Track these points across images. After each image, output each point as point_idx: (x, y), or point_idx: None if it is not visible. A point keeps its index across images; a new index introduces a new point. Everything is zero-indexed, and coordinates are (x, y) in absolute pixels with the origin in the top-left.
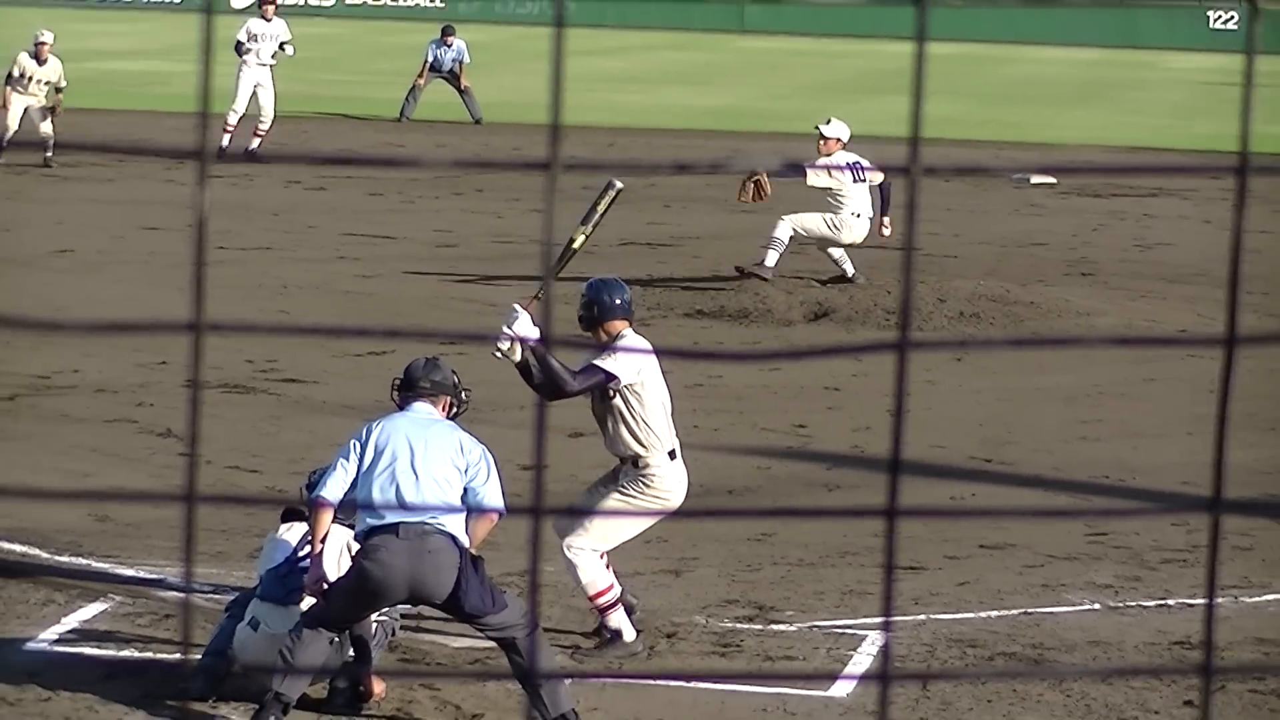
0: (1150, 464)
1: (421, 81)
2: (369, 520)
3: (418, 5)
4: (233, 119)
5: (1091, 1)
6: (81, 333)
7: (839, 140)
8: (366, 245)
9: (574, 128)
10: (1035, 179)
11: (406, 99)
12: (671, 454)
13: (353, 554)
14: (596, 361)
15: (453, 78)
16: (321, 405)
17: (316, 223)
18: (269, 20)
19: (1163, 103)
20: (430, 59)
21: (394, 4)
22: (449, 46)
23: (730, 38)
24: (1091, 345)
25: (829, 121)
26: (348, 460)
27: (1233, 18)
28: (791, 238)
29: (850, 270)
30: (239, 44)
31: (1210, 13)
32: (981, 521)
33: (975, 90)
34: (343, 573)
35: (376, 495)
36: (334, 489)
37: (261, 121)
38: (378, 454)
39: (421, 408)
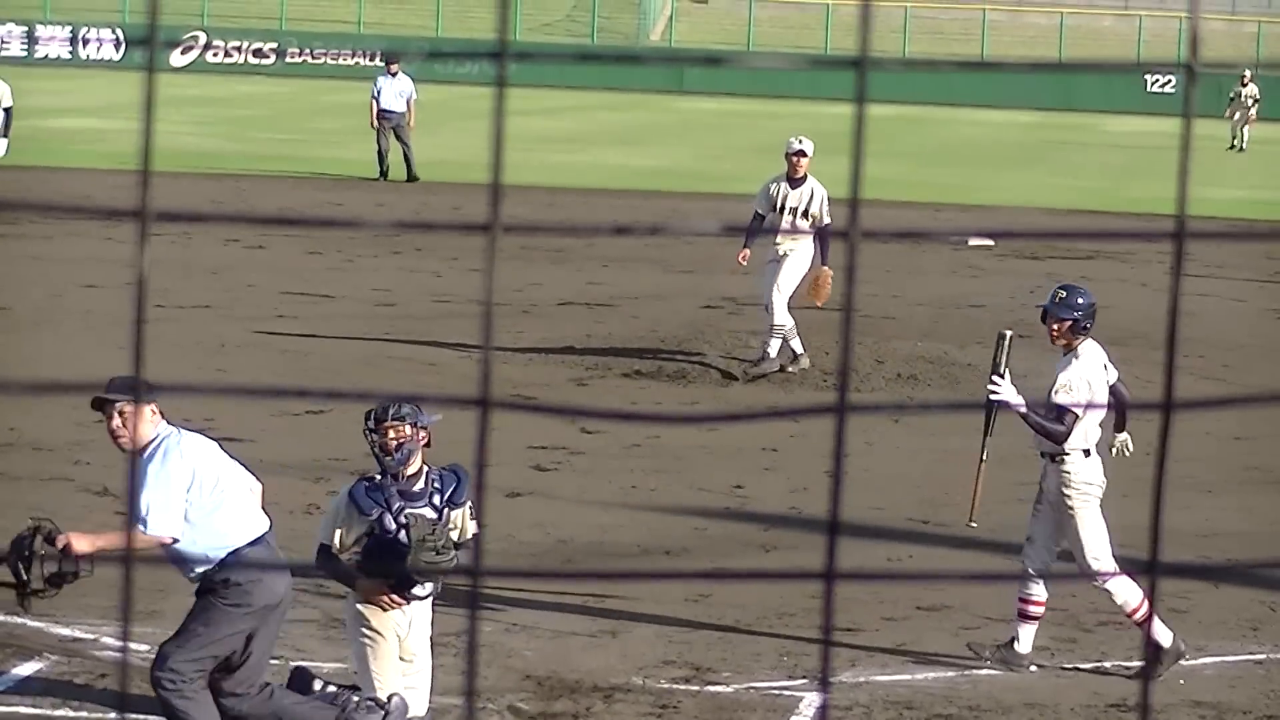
0: None
1: (377, 125)
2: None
3: (358, 64)
4: None
5: (1029, 67)
6: (16, 394)
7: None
8: (305, 304)
9: (513, 187)
10: (973, 241)
11: (379, 156)
12: (1086, 452)
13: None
14: (1062, 402)
15: (399, 124)
16: (259, 464)
17: (255, 281)
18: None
19: (1100, 165)
20: (375, 93)
21: (334, 63)
22: (393, 76)
23: (669, 98)
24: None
25: (801, 140)
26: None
27: (1169, 81)
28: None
29: (799, 349)
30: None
31: (1147, 76)
32: (918, 583)
33: (914, 152)
34: None
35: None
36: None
37: None
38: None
39: None
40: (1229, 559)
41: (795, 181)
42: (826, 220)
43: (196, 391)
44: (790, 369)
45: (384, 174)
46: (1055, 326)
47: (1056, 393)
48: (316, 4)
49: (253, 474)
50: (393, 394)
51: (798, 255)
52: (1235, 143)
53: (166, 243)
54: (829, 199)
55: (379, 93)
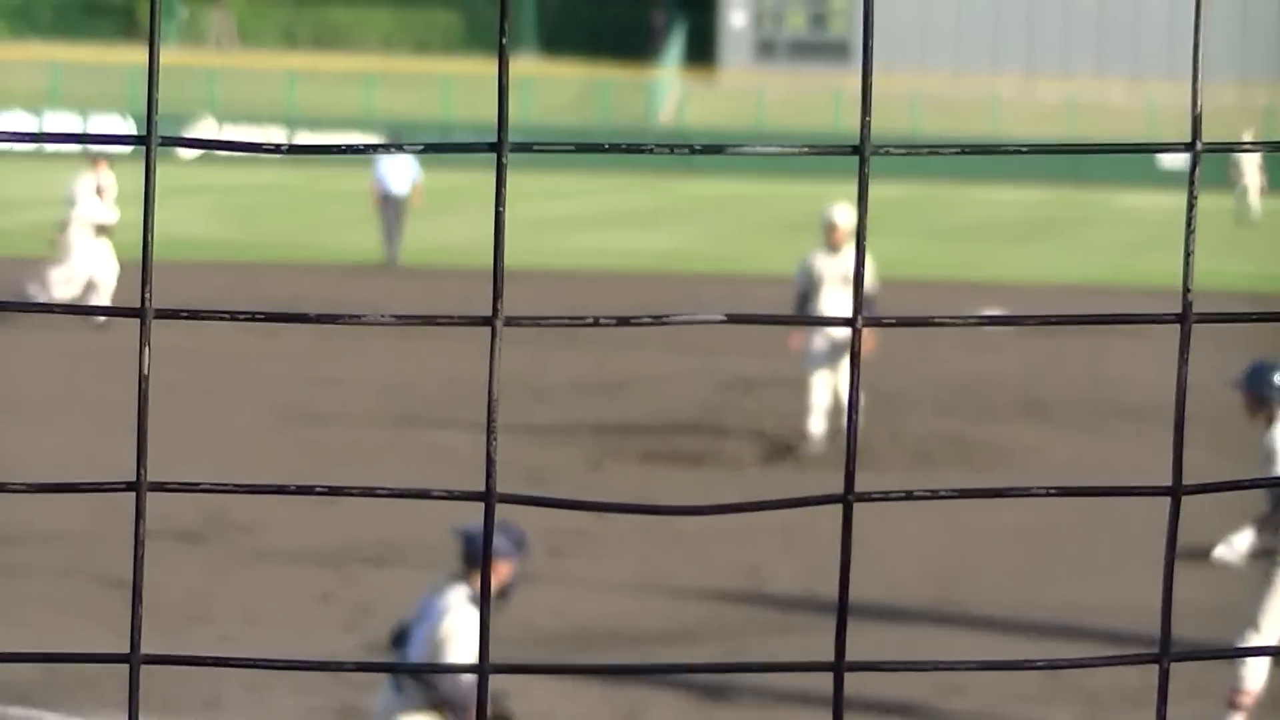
0: (1103, 603)
1: (380, 210)
2: None
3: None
4: None
5: (1029, 148)
6: (21, 492)
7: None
8: (317, 389)
9: (524, 270)
10: (985, 312)
11: (386, 242)
12: None
13: None
14: None
15: (399, 205)
16: (272, 553)
17: (267, 369)
18: None
19: (1111, 241)
20: (379, 175)
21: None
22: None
23: (679, 180)
24: (1035, 495)
25: (837, 210)
26: None
27: (1213, 148)
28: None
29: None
30: None
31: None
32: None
33: (925, 230)
34: None
35: None
36: None
37: None
38: None
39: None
40: (1237, 634)
41: (836, 251)
42: (874, 284)
43: (199, 490)
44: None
45: (393, 259)
46: (1246, 400)
47: None
48: (325, 89)
49: None
50: (400, 489)
51: (846, 333)
52: (1247, 216)
53: (179, 330)
54: (872, 266)
55: (380, 177)
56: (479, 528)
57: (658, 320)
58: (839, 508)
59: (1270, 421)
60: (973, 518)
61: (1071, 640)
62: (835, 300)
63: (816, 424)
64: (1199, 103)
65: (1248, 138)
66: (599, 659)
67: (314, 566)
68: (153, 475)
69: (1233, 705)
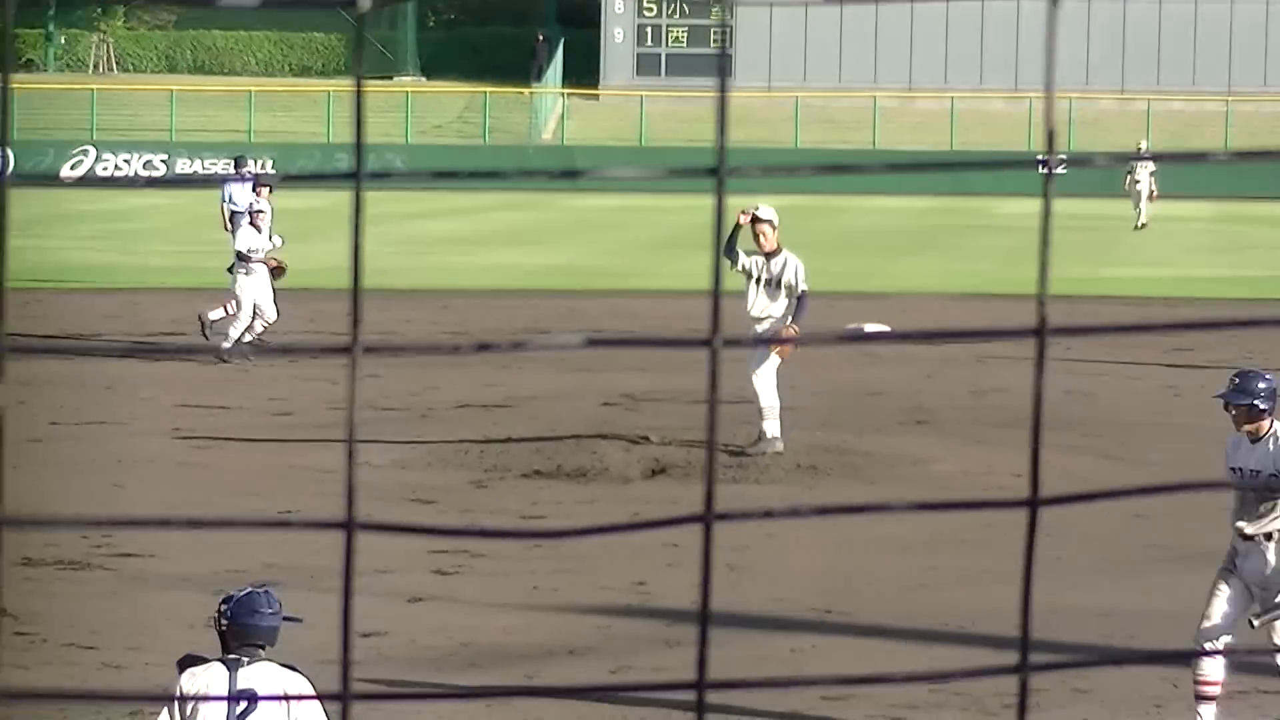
0: (989, 609)
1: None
2: None
3: (249, 172)
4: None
5: (889, 167)
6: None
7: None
8: (201, 416)
9: (406, 292)
10: (869, 327)
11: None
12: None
13: None
14: None
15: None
16: (159, 579)
17: (150, 394)
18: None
19: (992, 249)
20: (227, 198)
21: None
22: (245, 181)
23: (563, 196)
24: (897, 510)
25: (760, 208)
26: None
27: (1062, 162)
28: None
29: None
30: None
31: (1040, 156)
32: (788, 689)
33: (807, 241)
34: None
35: None
36: None
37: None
38: None
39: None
40: (1131, 637)
41: (770, 255)
42: (803, 288)
43: (59, 526)
44: (750, 450)
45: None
46: (1235, 413)
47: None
48: (206, 114)
49: None
50: (285, 519)
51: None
52: (1137, 222)
53: (59, 359)
54: (803, 268)
55: (229, 197)
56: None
57: (517, 346)
58: (727, 524)
59: (1258, 435)
60: (858, 528)
61: (958, 646)
62: (761, 301)
63: (774, 426)
64: (1052, 118)
65: (1143, 146)
66: (487, 676)
67: (196, 592)
68: (28, 505)
69: (1200, 698)
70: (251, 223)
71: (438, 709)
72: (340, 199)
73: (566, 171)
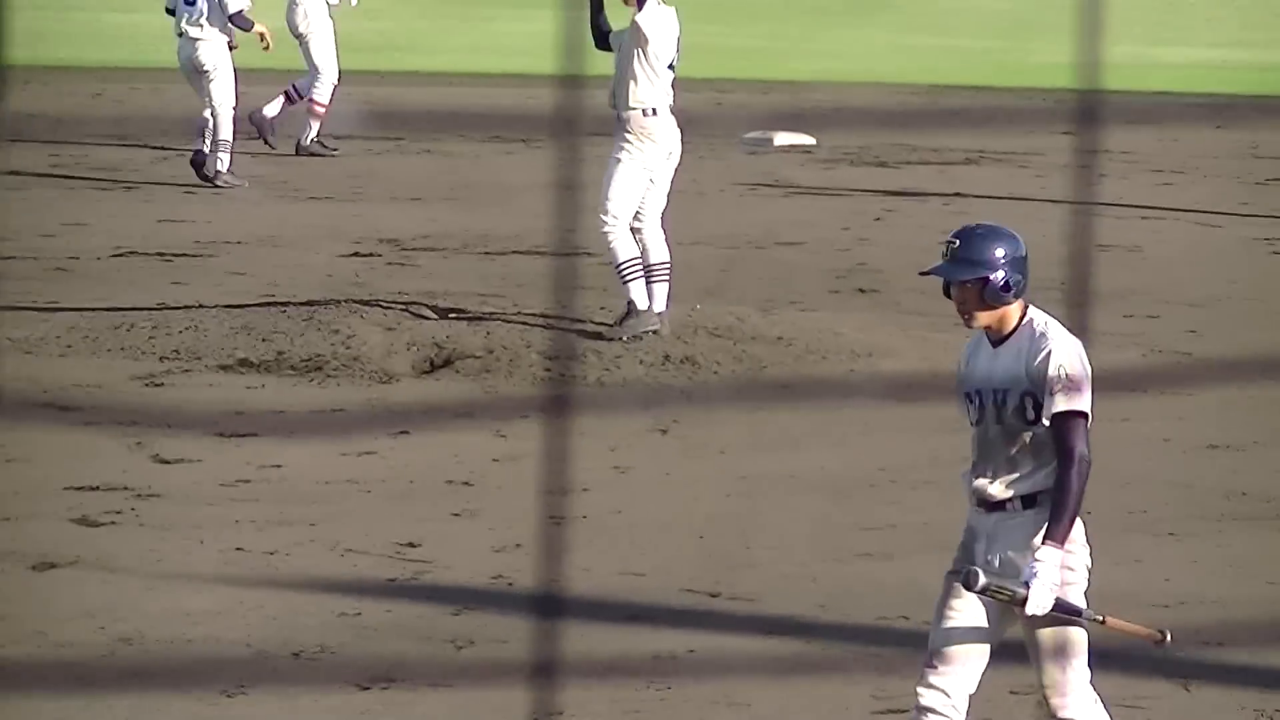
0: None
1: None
2: None
3: None
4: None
5: None
6: None
7: None
8: None
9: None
10: (781, 139)
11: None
12: None
13: None
14: (1080, 407)
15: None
16: None
17: None
18: None
19: (978, 15)
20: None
21: None
22: None
23: None
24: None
25: None
26: None
27: None
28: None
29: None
30: None
31: None
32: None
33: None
34: None
35: None
36: None
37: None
38: None
39: None
40: (1203, 642)
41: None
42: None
43: None
44: (612, 333)
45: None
46: (961, 298)
47: (1078, 401)
48: None
49: None
50: None
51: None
52: None
53: None
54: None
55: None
56: None
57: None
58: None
59: (1002, 334)
60: (763, 462)
61: (909, 651)
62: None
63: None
64: None
65: None
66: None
67: None
68: None
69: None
70: None
71: None
72: None
73: None
